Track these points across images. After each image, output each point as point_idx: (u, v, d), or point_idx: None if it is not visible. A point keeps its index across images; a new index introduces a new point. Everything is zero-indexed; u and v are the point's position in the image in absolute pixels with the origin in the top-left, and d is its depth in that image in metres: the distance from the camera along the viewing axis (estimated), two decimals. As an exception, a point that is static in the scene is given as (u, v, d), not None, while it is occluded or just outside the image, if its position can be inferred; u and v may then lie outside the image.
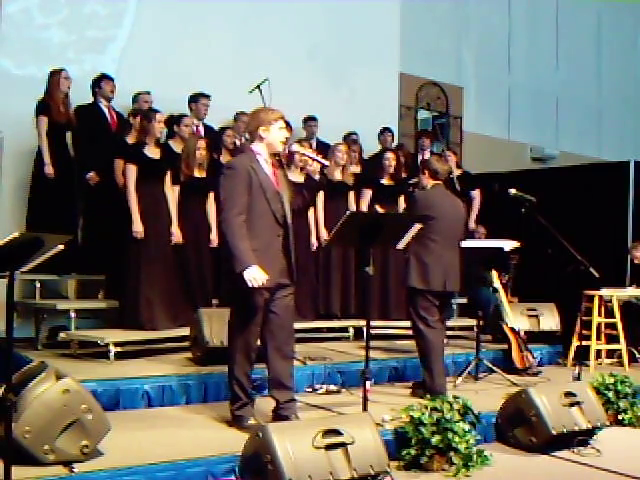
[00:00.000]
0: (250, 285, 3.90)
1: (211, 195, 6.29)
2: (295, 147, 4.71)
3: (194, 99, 6.99)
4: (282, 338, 4.20)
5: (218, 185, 6.17)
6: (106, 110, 6.63)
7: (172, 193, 5.92)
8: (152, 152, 5.77)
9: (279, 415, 4.22)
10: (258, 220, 4.03)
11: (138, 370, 4.97)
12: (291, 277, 4.20)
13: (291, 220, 4.24)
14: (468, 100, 10.93)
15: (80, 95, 6.48)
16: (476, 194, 8.01)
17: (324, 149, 7.62)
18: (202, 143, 6.22)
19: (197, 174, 6.20)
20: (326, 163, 4.79)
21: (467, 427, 4.11)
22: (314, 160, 4.65)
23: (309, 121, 8.04)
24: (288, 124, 7.27)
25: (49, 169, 6.11)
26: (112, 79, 6.61)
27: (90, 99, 6.59)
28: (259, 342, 4.23)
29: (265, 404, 4.55)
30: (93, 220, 6.44)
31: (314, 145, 7.88)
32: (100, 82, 6.55)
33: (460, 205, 5.45)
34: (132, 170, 5.64)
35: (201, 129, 7.04)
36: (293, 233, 4.27)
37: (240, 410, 4.18)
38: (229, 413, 4.26)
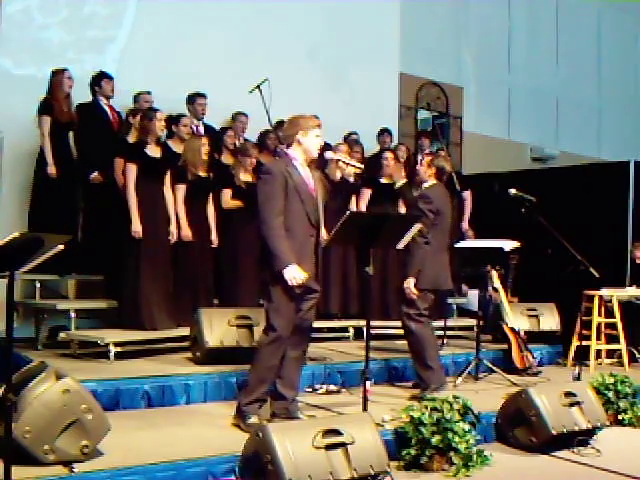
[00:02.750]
0: (290, 284, 4.01)
1: (210, 195, 6.30)
2: (329, 154, 4.75)
3: (190, 100, 6.99)
4: (301, 339, 4.31)
5: (221, 186, 6.29)
6: (107, 109, 6.63)
7: (170, 193, 5.91)
8: (153, 151, 5.77)
9: (284, 412, 4.27)
10: (294, 221, 4.15)
11: (138, 370, 4.97)
12: (319, 281, 4.31)
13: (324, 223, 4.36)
14: (468, 100, 10.93)
15: (80, 95, 6.47)
16: (467, 195, 7.99)
17: (324, 149, 7.60)
18: (205, 140, 6.22)
19: (200, 173, 6.19)
20: (359, 166, 4.85)
21: (467, 427, 4.11)
22: (348, 164, 4.72)
23: None
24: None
25: (52, 169, 6.11)
26: (112, 78, 6.60)
27: (89, 98, 6.58)
28: None
29: (267, 404, 4.56)
30: (93, 220, 6.44)
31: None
32: (100, 81, 6.54)
33: (451, 204, 5.50)
34: (132, 169, 5.64)
35: (201, 129, 7.04)
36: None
37: (248, 406, 4.19)
38: (234, 408, 4.30)
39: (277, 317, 4.15)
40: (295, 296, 4.12)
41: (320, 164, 5.36)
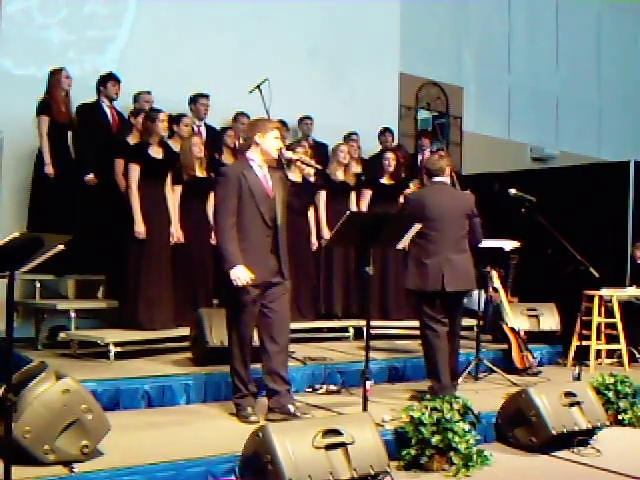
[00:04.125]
0: (235, 284, 4.16)
1: (211, 195, 6.28)
2: (288, 154, 4.84)
3: (193, 100, 7.01)
4: (277, 331, 4.39)
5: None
6: (108, 110, 6.62)
7: (171, 194, 5.91)
8: (155, 152, 5.77)
9: (277, 405, 4.36)
10: (247, 222, 4.29)
11: (138, 370, 4.97)
12: (282, 276, 4.40)
13: (285, 221, 4.46)
14: (468, 100, 10.93)
15: (80, 95, 6.47)
16: None
17: (320, 149, 7.62)
18: (197, 140, 6.21)
19: (198, 174, 6.19)
20: (319, 167, 4.89)
21: (467, 427, 4.11)
22: (308, 165, 4.78)
23: (304, 120, 8.06)
24: (285, 124, 7.35)
25: (49, 169, 6.11)
26: (119, 80, 6.59)
27: (92, 97, 6.57)
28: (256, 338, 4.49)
29: (267, 404, 4.58)
30: (92, 220, 6.43)
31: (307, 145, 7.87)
32: (106, 82, 6.53)
33: (461, 201, 5.29)
34: (135, 170, 5.63)
35: (202, 129, 7.04)
36: (293, 232, 4.44)
37: (239, 400, 4.40)
38: (232, 407, 4.46)
39: (232, 316, 4.35)
40: (245, 294, 4.22)
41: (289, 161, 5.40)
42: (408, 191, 6.91)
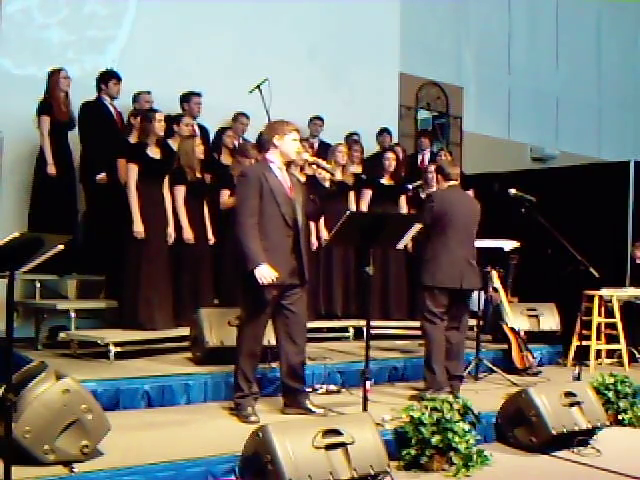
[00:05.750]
0: (260, 282, 4.16)
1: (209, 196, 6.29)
2: (306, 156, 4.83)
3: (186, 99, 6.94)
4: (295, 332, 4.44)
5: (220, 186, 6.33)
6: (111, 108, 6.62)
7: (169, 194, 5.90)
8: (154, 152, 5.76)
9: (294, 401, 4.46)
10: (268, 222, 4.31)
11: (138, 370, 4.97)
12: (302, 278, 4.43)
13: (304, 224, 4.49)
14: (468, 100, 10.93)
15: (80, 95, 6.47)
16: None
17: (326, 149, 7.61)
18: (199, 141, 6.21)
19: (197, 174, 6.19)
20: (330, 170, 4.91)
21: (467, 427, 4.11)
22: (323, 169, 4.77)
23: (314, 120, 8.04)
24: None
25: (52, 169, 6.11)
26: (120, 79, 6.58)
27: (92, 97, 6.57)
28: (274, 339, 4.57)
29: (267, 404, 4.57)
30: (94, 220, 6.44)
31: (316, 145, 7.88)
32: (108, 81, 6.53)
33: (475, 205, 5.48)
34: (134, 170, 5.62)
35: (196, 128, 7.02)
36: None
37: (240, 399, 4.39)
38: (232, 407, 4.47)
39: (248, 315, 4.36)
40: (267, 293, 4.24)
41: None
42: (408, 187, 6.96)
